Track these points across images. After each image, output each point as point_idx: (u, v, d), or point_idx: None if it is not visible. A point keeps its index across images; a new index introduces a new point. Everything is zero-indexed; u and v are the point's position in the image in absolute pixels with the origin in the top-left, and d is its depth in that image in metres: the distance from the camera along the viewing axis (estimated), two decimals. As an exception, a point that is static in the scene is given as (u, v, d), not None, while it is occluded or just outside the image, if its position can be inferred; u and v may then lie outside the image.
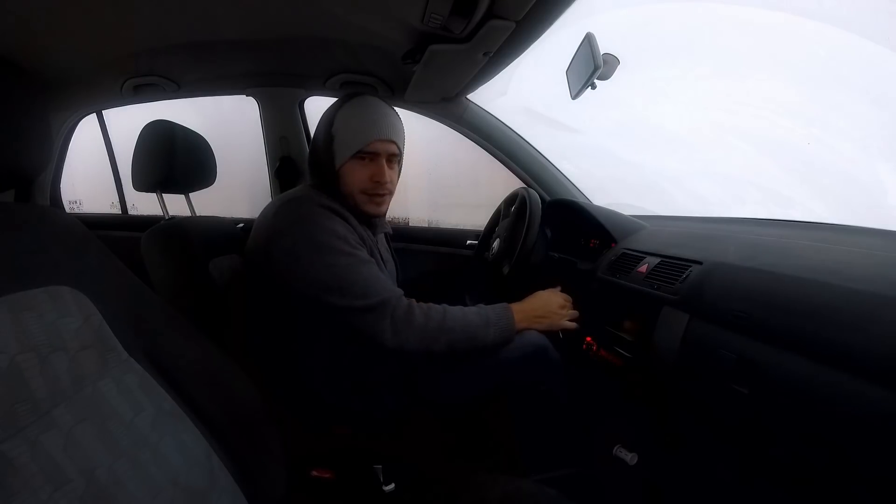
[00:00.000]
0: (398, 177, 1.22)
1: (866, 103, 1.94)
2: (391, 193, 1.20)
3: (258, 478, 0.76)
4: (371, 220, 1.22)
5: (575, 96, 1.33)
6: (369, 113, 1.12)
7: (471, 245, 2.04)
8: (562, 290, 1.38)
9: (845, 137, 2.10)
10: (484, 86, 1.66)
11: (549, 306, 1.25)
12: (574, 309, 1.30)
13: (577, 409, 1.34)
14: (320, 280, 1.00)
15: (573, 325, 1.28)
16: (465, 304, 1.78)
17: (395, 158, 1.17)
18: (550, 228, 1.66)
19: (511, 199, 1.69)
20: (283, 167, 2.00)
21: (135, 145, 1.28)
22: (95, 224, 2.17)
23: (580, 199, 1.87)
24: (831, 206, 1.97)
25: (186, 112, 1.94)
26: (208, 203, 1.67)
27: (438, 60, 1.28)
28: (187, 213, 1.47)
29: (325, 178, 1.15)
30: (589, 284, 1.41)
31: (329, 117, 1.15)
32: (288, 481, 0.81)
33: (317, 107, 1.98)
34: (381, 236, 1.32)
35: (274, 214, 1.07)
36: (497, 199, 1.81)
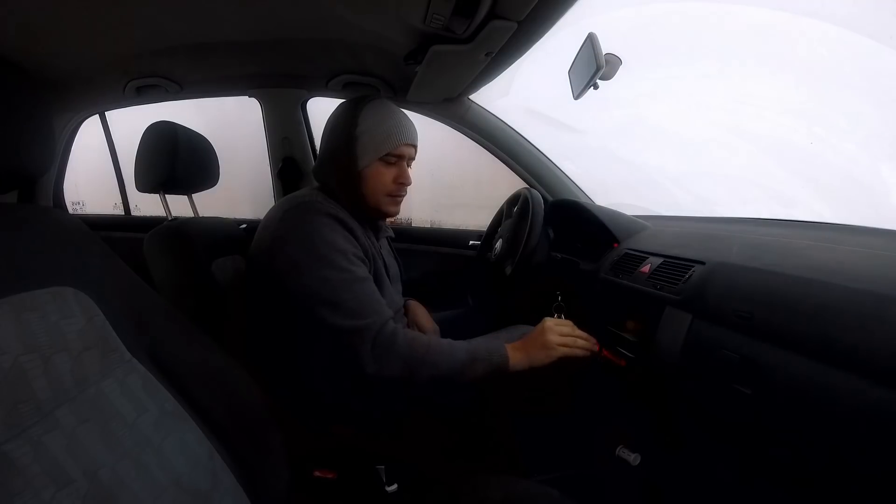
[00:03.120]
0: None
1: (869, 103, 1.94)
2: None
3: (261, 478, 0.76)
4: (376, 224, 1.22)
5: (577, 96, 1.33)
6: (395, 117, 1.14)
7: (473, 245, 2.04)
8: (562, 298, 1.38)
9: (848, 137, 2.10)
10: (486, 86, 1.66)
11: (547, 339, 1.10)
12: (578, 329, 1.16)
13: (579, 410, 1.34)
14: (314, 292, 1.00)
15: (582, 352, 1.13)
16: (468, 305, 1.79)
17: (411, 161, 1.20)
18: (553, 229, 1.66)
19: (513, 200, 1.69)
20: (286, 168, 2.01)
21: (137, 146, 1.28)
22: (98, 225, 2.18)
23: (582, 200, 1.87)
24: (834, 206, 1.96)
25: (189, 113, 1.94)
26: (211, 204, 1.67)
27: (440, 61, 1.28)
28: (190, 213, 1.48)
29: (343, 180, 1.14)
30: (591, 285, 1.41)
31: (348, 119, 1.14)
32: (290, 482, 0.81)
33: (319, 108, 1.98)
34: (384, 240, 1.32)
35: (280, 219, 1.07)
36: (499, 199, 1.81)
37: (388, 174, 1.14)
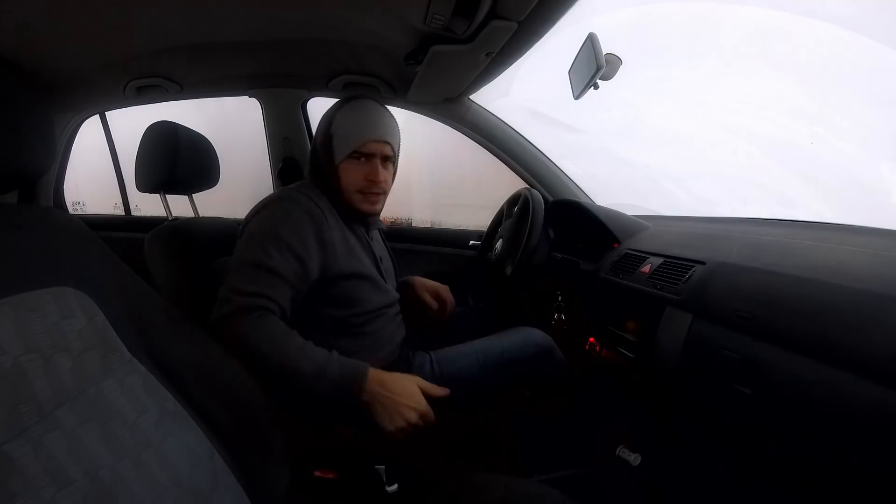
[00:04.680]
0: (393, 177, 1.24)
1: (869, 102, 1.94)
2: (385, 193, 1.22)
3: (261, 478, 0.76)
4: (363, 220, 1.23)
5: (577, 96, 1.33)
6: (365, 115, 1.16)
7: (474, 246, 2.04)
8: (562, 298, 1.37)
9: (848, 137, 2.10)
10: (486, 86, 1.66)
11: (406, 400, 0.99)
12: (431, 417, 1.02)
13: (579, 410, 1.34)
14: (235, 255, 1.06)
15: (399, 434, 1.00)
16: (468, 305, 1.79)
17: (389, 159, 1.20)
18: (553, 229, 1.66)
19: (514, 200, 1.69)
20: (286, 168, 2.01)
21: (138, 146, 1.28)
22: (98, 225, 2.18)
23: (583, 200, 1.87)
24: (834, 206, 1.96)
25: (189, 113, 1.94)
26: (211, 204, 1.67)
27: (441, 61, 1.28)
28: (191, 214, 1.48)
29: (323, 176, 1.18)
30: (592, 285, 1.41)
31: (329, 117, 1.18)
32: (290, 482, 0.81)
33: (319, 108, 1.98)
34: (376, 233, 1.33)
35: (262, 207, 1.14)
36: (500, 199, 1.81)
37: (358, 171, 1.16)
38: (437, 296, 1.44)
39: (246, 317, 0.97)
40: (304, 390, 0.97)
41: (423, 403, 1.00)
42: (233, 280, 1.01)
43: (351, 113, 1.16)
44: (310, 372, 0.96)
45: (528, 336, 1.28)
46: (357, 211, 1.19)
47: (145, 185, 1.29)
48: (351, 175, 1.16)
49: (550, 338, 1.30)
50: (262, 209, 1.13)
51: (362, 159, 1.16)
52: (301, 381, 0.96)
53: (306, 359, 0.97)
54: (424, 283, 1.46)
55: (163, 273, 1.22)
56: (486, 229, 1.89)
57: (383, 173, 1.18)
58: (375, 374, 1.00)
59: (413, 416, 0.98)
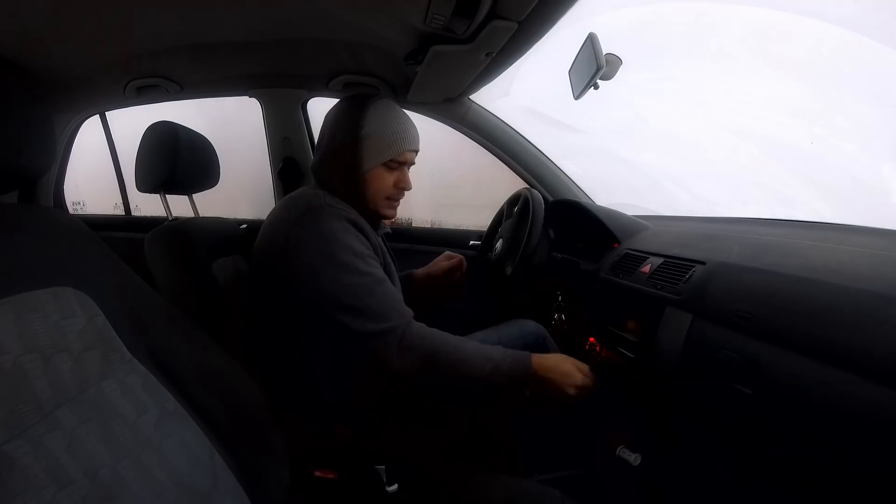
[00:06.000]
0: None
1: (869, 102, 1.94)
2: None
3: (261, 478, 0.76)
4: (376, 223, 1.22)
5: (577, 97, 1.33)
6: (400, 122, 1.15)
7: (474, 246, 2.04)
8: (562, 298, 1.39)
9: (849, 137, 2.10)
10: (486, 86, 1.66)
11: (568, 374, 1.09)
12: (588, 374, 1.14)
13: (579, 410, 1.34)
14: (335, 298, 0.99)
15: (575, 399, 1.10)
16: (468, 305, 1.79)
17: (411, 165, 1.21)
18: (553, 229, 1.66)
19: (514, 200, 1.69)
20: (286, 168, 2.01)
21: (138, 146, 1.28)
22: (99, 225, 2.18)
23: (583, 200, 1.87)
24: (834, 206, 1.96)
25: (190, 113, 1.94)
26: (211, 204, 1.67)
27: (441, 61, 1.28)
28: (191, 214, 1.48)
29: (346, 181, 1.14)
30: (592, 285, 1.41)
31: (354, 119, 1.12)
32: (290, 482, 0.81)
33: (319, 108, 1.98)
34: (382, 237, 1.33)
35: (294, 224, 1.04)
36: (500, 199, 1.81)
37: (389, 178, 1.15)
38: (446, 259, 1.52)
39: (416, 336, 1.01)
40: (480, 389, 1.02)
41: (579, 380, 1.09)
42: (365, 320, 0.99)
43: (383, 118, 1.12)
44: (489, 368, 1.01)
45: (523, 326, 1.32)
46: (381, 216, 1.20)
47: (145, 185, 1.29)
48: (380, 182, 1.14)
49: (544, 328, 1.32)
50: (314, 235, 1.03)
51: (394, 167, 1.15)
52: (480, 379, 1.00)
53: (482, 356, 1.02)
54: (425, 268, 1.54)
55: (163, 273, 1.22)
56: (486, 229, 1.89)
57: (410, 179, 1.19)
58: (537, 360, 1.07)
59: (573, 392, 1.07)
